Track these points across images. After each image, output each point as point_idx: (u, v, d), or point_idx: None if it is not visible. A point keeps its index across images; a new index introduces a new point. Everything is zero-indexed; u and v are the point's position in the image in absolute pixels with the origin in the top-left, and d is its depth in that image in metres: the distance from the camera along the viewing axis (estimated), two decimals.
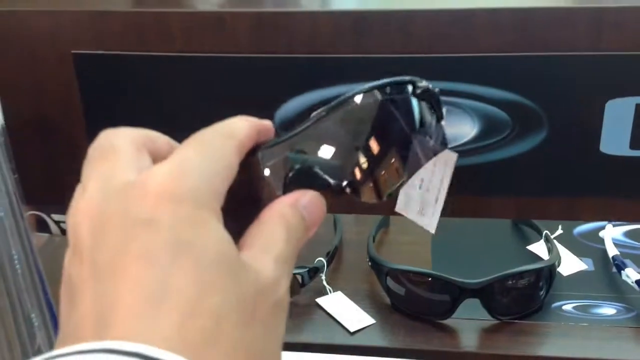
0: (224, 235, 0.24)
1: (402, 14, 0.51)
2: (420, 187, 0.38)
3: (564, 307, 0.68)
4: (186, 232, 0.23)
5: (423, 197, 0.38)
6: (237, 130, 0.28)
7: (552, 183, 0.54)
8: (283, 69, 0.53)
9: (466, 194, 0.54)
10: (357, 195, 0.30)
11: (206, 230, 0.24)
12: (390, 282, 0.70)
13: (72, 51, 0.55)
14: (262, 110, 0.53)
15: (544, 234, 0.76)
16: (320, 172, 0.29)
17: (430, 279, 0.67)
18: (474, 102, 0.52)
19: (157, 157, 0.27)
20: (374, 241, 0.77)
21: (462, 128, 0.52)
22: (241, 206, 0.27)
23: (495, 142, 0.53)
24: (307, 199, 0.28)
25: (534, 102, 0.51)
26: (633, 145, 0.51)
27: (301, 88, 0.53)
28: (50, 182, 0.60)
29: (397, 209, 0.38)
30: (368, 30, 0.51)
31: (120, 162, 0.25)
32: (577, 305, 0.68)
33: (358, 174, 0.30)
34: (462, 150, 0.53)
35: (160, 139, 0.29)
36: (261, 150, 0.29)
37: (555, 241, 0.75)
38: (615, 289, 0.70)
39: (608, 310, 0.67)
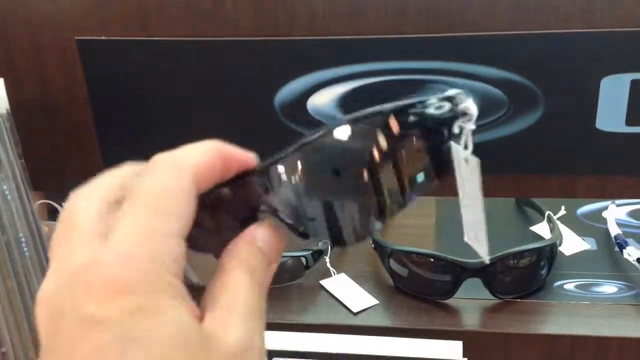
0: (181, 318, 0.23)
1: None
2: (468, 206, 0.34)
3: (565, 286, 0.69)
4: (135, 326, 0.22)
5: (473, 218, 0.34)
6: (189, 162, 0.26)
7: (549, 161, 0.54)
8: (283, 51, 0.54)
9: None
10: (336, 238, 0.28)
11: (158, 320, 0.23)
12: (392, 264, 0.70)
13: (76, 37, 0.56)
14: (262, 93, 0.54)
15: (546, 215, 0.76)
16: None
17: (431, 259, 0.68)
18: (471, 81, 0.52)
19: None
20: None
21: None
22: (211, 227, 0.27)
23: (492, 121, 0.53)
24: (263, 232, 0.27)
25: (531, 81, 0.51)
26: (629, 122, 0.52)
27: (300, 71, 0.54)
28: (55, 168, 0.61)
29: (466, 239, 0.34)
30: (364, 11, 0.52)
31: (78, 241, 0.25)
32: (578, 284, 0.69)
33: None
34: None
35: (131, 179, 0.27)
36: (232, 183, 0.27)
37: (558, 222, 0.76)
38: (617, 268, 0.71)
39: (609, 288, 0.68)
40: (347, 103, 0.53)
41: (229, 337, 0.24)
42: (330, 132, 0.26)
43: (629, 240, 0.72)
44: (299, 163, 0.26)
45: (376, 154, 0.27)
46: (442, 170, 0.30)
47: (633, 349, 0.61)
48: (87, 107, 0.58)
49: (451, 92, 0.30)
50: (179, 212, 0.25)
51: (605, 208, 0.79)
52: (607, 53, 0.50)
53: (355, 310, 0.68)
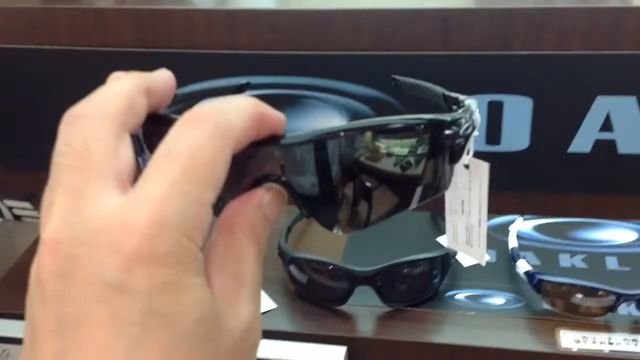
0: (204, 296, 0.23)
1: (271, 13, 0.53)
2: (462, 212, 0.35)
3: (456, 296, 0.71)
4: (161, 300, 0.21)
5: (467, 223, 0.34)
6: (234, 125, 0.24)
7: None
8: (163, 64, 0.56)
9: None
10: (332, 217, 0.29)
11: (184, 297, 0.22)
12: (293, 270, 0.72)
13: None
14: None
15: None
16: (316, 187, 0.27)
17: (327, 266, 0.70)
18: (340, 97, 0.54)
19: (140, 122, 0.25)
20: (289, 231, 0.80)
21: (331, 123, 0.55)
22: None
23: None
24: (270, 198, 0.27)
25: (394, 99, 0.53)
26: (489, 141, 0.54)
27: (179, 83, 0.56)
28: None
29: (448, 244, 0.36)
30: (240, 27, 0.54)
31: (95, 173, 0.23)
32: (470, 295, 0.71)
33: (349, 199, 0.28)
34: None
35: (141, 106, 0.25)
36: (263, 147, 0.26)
37: None
38: (511, 280, 0.73)
39: (498, 300, 0.70)
40: None
41: (241, 314, 0.24)
42: (371, 129, 0.27)
43: (525, 254, 0.74)
44: (329, 147, 0.27)
45: (409, 163, 0.28)
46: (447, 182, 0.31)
47: None
48: None
49: (466, 101, 0.33)
50: (216, 180, 0.23)
51: (514, 221, 0.81)
52: (466, 75, 0.52)
53: None
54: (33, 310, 0.23)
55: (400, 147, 0.28)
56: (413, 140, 0.28)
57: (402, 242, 0.80)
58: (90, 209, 0.22)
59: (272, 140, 0.26)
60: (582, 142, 0.53)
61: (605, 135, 0.52)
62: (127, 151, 0.24)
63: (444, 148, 0.30)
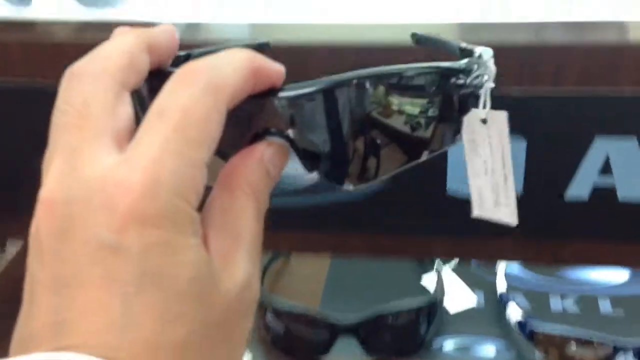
0: (198, 257, 0.22)
1: None
2: (486, 173, 0.34)
3: (444, 346, 0.67)
4: (155, 261, 0.21)
5: (492, 183, 0.33)
6: (228, 80, 0.24)
7: (407, 222, 0.52)
8: None
9: (325, 231, 0.53)
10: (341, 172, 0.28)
11: (177, 258, 0.22)
12: (269, 317, 0.68)
13: None
14: None
15: (435, 266, 0.74)
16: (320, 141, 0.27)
17: (305, 316, 0.65)
18: None
19: (142, 78, 0.25)
20: (265, 272, 0.75)
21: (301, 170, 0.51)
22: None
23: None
24: (272, 153, 0.26)
25: None
26: None
27: None
28: None
29: (474, 212, 0.34)
30: None
31: (93, 132, 0.23)
32: (458, 344, 0.67)
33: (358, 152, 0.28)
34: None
35: (142, 62, 0.25)
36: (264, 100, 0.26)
37: (450, 271, 0.74)
38: (501, 326, 0.69)
39: (490, 348, 0.66)
40: None
41: (237, 275, 0.24)
42: (380, 77, 0.26)
43: (515, 295, 0.70)
44: (329, 100, 0.26)
45: (421, 112, 0.28)
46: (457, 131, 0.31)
47: None
48: None
49: (477, 50, 0.32)
50: (210, 139, 0.23)
51: None
52: None
53: None
54: (32, 267, 0.23)
55: (411, 97, 0.28)
56: (424, 90, 0.28)
57: (382, 285, 0.76)
58: (86, 168, 0.22)
59: (271, 92, 0.25)
60: (580, 187, 0.49)
61: (605, 180, 0.48)
62: (125, 109, 0.24)
63: (455, 97, 0.29)
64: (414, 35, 0.47)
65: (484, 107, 0.30)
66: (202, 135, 0.23)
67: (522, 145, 0.48)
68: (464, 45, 0.36)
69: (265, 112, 0.26)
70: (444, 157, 0.49)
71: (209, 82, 0.23)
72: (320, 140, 0.26)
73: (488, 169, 0.33)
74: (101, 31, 0.51)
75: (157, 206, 0.21)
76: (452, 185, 0.51)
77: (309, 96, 0.26)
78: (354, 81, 0.26)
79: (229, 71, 0.24)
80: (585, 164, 0.48)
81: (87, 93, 0.23)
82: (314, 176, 0.29)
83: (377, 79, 0.27)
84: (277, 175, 0.26)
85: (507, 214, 0.34)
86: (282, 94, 0.25)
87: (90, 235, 0.21)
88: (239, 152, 0.26)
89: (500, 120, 0.32)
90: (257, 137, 0.26)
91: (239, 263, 0.24)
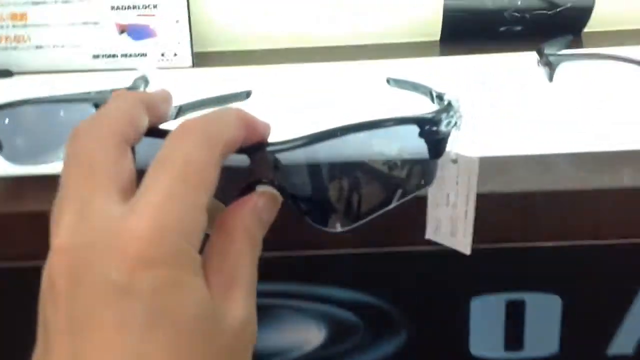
0: (201, 295, 0.24)
1: None
2: (447, 205, 0.36)
3: None
4: (163, 299, 0.23)
5: (452, 215, 0.36)
6: (221, 132, 0.26)
7: None
8: None
9: None
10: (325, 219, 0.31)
11: (184, 295, 0.23)
12: None
13: None
14: None
15: None
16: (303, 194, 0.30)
17: None
18: (318, 304, 0.43)
19: (141, 135, 0.27)
20: None
21: (307, 334, 0.43)
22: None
23: (347, 347, 0.44)
24: (265, 202, 0.28)
25: (386, 301, 0.42)
26: (508, 346, 0.43)
27: None
28: None
29: (427, 235, 0.37)
30: None
31: (100, 186, 0.24)
32: None
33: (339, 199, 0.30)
34: (312, 358, 0.44)
35: (141, 120, 0.28)
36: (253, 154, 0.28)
37: None
38: None
39: None
40: None
41: (236, 312, 0.25)
42: (355, 129, 0.29)
43: None
44: (313, 152, 0.28)
45: (395, 159, 0.31)
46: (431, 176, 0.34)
47: None
48: None
49: (448, 98, 0.35)
50: (208, 184, 0.25)
51: None
52: (478, 271, 0.41)
53: None
54: (46, 312, 0.24)
55: (387, 145, 0.30)
56: (400, 138, 0.30)
57: None
58: (96, 218, 0.24)
59: (260, 146, 0.28)
60: (624, 343, 0.43)
61: None
62: (128, 162, 0.26)
63: (427, 144, 0.31)
64: (388, 80, 0.51)
65: (454, 149, 0.33)
66: (201, 180, 0.25)
67: (557, 302, 0.42)
68: (435, 90, 0.40)
69: (257, 163, 0.28)
70: (465, 320, 0.43)
71: (205, 135, 0.26)
72: (306, 187, 0.29)
73: (450, 202, 0.36)
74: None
75: (164, 249, 0.23)
76: (475, 349, 0.44)
77: (294, 149, 0.28)
78: (337, 133, 0.29)
79: (222, 126, 0.26)
80: (629, 318, 0.42)
81: (93, 149, 0.25)
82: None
83: (355, 130, 0.29)
84: (270, 220, 0.29)
85: (462, 244, 0.36)
86: (270, 148, 0.28)
87: (103, 279, 0.22)
88: (235, 201, 0.28)
89: (472, 164, 0.34)
90: (250, 187, 0.29)
91: (238, 300, 0.25)
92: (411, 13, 0.67)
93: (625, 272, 0.41)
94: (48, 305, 0.23)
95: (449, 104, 0.33)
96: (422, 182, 0.33)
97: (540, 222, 0.40)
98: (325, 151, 0.28)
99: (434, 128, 0.31)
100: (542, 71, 0.48)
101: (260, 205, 0.28)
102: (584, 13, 0.60)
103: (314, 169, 0.29)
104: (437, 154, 0.32)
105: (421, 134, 0.31)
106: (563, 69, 0.45)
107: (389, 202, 0.32)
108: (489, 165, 0.39)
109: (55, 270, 0.23)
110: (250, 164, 0.28)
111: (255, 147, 0.28)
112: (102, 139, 0.25)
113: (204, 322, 0.23)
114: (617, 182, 0.39)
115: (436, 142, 0.32)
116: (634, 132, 0.42)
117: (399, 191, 0.32)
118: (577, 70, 0.45)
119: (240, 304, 0.25)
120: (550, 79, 0.46)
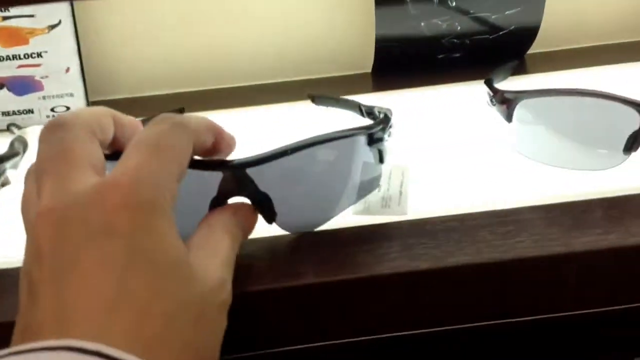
0: (177, 242, 0.25)
1: None
2: (379, 190, 0.39)
3: None
4: (142, 239, 0.24)
5: (385, 194, 0.38)
6: (193, 124, 0.29)
7: None
8: None
9: None
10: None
11: (161, 238, 0.24)
12: None
13: None
14: None
15: None
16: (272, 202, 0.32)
17: None
18: None
19: (107, 141, 0.30)
20: None
21: None
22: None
23: None
24: (244, 212, 0.31)
25: None
26: None
27: None
28: None
29: (355, 212, 0.37)
30: None
31: (76, 162, 0.26)
32: None
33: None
34: None
35: (109, 127, 0.29)
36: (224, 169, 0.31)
37: None
38: None
39: None
40: None
41: (209, 276, 0.26)
42: (306, 146, 0.32)
43: None
44: (277, 164, 0.31)
45: (341, 164, 0.34)
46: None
47: None
48: None
49: (378, 111, 0.41)
50: (181, 160, 0.27)
51: None
52: None
53: None
54: (30, 272, 0.24)
55: (339, 154, 0.33)
56: (350, 148, 0.34)
57: None
58: (76, 186, 0.25)
59: (230, 162, 0.31)
60: None
61: None
62: (99, 151, 0.28)
63: (376, 151, 0.36)
64: (310, 95, 0.52)
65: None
66: (175, 157, 0.27)
67: None
68: (364, 105, 0.44)
69: (228, 179, 0.31)
70: None
71: (178, 121, 0.28)
72: (274, 195, 0.31)
73: (382, 189, 0.39)
74: None
75: (141, 197, 0.24)
76: None
77: (261, 162, 0.31)
78: (299, 146, 0.31)
79: (194, 119, 0.30)
80: None
81: (69, 136, 0.27)
82: None
83: (318, 142, 0.32)
84: (250, 227, 0.31)
85: (396, 211, 0.37)
86: (234, 163, 0.31)
87: (85, 226, 0.24)
88: (213, 210, 0.31)
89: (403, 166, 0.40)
90: (225, 198, 0.31)
91: (215, 268, 0.27)
92: (339, 43, 0.60)
93: None
94: (32, 266, 0.24)
95: (386, 115, 0.38)
96: (372, 186, 0.37)
97: None
98: (291, 163, 0.31)
99: (380, 136, 0.35)
100: (495, 109, 0.41)
101: (239, 213, 0.31)
102: (529, 35, 0.54)
103: (281, 179, 0.31)
104: (382, 159, 0.36)
105: (369, 143, 0.35)
106: (522, 106, 0.38)
107: (345, 207, 0.36)
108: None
109: (40, 233, 0.24)
110: (222, 176, 0.31)
111: (226, 163, 0.31)
112: (75, 129, 0.27)
113: (179, 268, 0.25)
114: None
115: (382, 149, 0.36)
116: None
117: (354, 196, 0.36)
118: (537, 108, 0.38)
119: (215, 270, 0.27)
120: (509, 119, 0.39)
